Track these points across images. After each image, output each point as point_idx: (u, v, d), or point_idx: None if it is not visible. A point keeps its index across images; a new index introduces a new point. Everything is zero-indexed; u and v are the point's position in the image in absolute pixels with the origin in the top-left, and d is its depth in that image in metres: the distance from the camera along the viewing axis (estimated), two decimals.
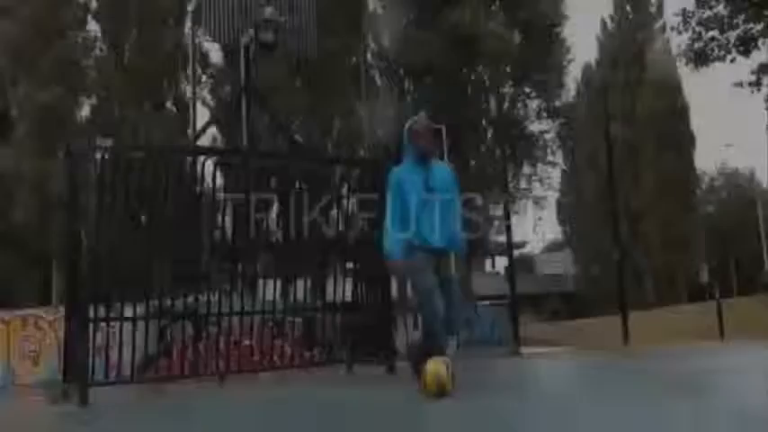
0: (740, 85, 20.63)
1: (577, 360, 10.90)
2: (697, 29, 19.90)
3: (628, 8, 46.45)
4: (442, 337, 4.84)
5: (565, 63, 28.45)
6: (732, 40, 19.64)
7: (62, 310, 7.78)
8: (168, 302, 7.28)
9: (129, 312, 6.97)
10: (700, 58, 20.11)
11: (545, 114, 28.42)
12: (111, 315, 6.85)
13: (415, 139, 4.97)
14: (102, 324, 6.66)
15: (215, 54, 27.60)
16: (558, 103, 28.54)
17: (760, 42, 19.96)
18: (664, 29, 44.30)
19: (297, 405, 5.18)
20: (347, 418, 4.20)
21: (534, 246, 62.05)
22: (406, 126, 5.05)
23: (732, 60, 19.71)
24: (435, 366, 4.40)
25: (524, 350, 14.28)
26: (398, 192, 4.93)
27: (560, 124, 29.17)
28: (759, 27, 19.68)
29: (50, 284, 23.99)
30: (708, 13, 19.75)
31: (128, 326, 6.88)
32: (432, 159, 5.03)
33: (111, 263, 6.78)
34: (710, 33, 19.85)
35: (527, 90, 28.34)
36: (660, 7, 45.92)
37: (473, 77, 27.42)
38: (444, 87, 26.11)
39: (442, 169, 5.09)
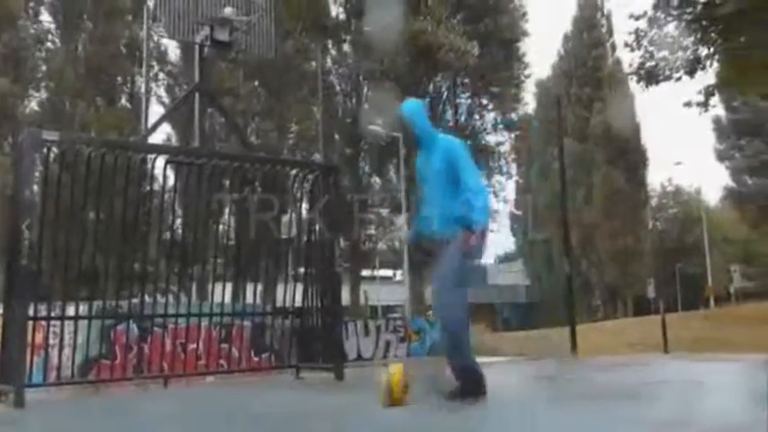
0: (689, 105, 21.16)
1: (526, 369, 11.00)
2: (649, 48, 20.39)
3: (583, 27, 47.46)
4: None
5: (523, 77, 28.91)
6: (680, 61, 20.16)
7: (0, 307, 7.51)
8: (113, 303, 7.12)
9: (71, 311, 6.79)
10: (650, 76, 20.59)
11: (501, 126, 28.83)
12: (53, 314, 6.65)
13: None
14: (43, 323, 6.47)
15: (173, 52, 27.25)
16: (514, 116, 28.97)
17: (708, 64, 20.53)
18: (614, 48, 45.41)
19: (238, 409, 5.10)
20: (287, 425, 4.14)
21: (488, 256, 62.73)
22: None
23: (678, 79, 20.24)
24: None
25: (476, 359, 14.34)
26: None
27: (515, 137, 29.63)
28: (706, 51, 20.26)
29: None
30: (659, 32, 20.24)
31: (69, 325, 6.70)
32: (423, 142, 4.59)
33: (55, 260, 6.59)
34: (662, 53, 20.36)
35: (484, 102, 28.69)
36: (610, 27, 47.12)
37: (431, 87, 27.63)
38: (403, 95, 26.23)
39: (438, 150, 4.51)
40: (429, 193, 4.52)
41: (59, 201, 6.45)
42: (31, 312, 5.92)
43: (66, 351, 6.70)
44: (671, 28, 20.22)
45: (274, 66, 23.02)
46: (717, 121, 42.80)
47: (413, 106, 4.84)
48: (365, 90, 27.70)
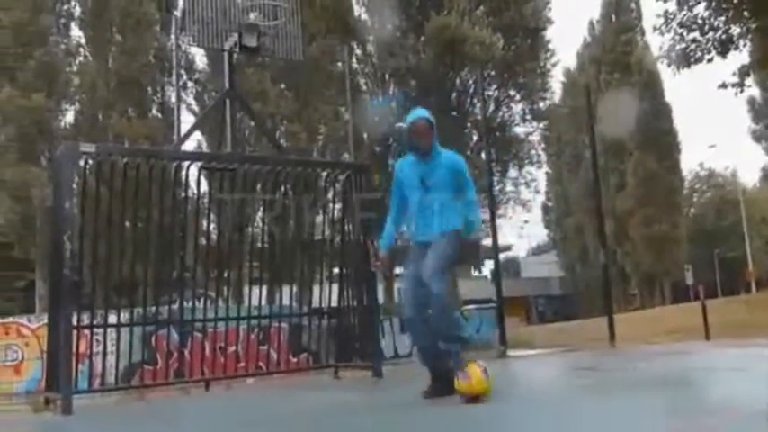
0: (724, 86, 20.73)
1: (564, 360, 10.94)
2: (679, 30, 20.04)
3: (612, 12, 46.86)
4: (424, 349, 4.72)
5: (549, 66, 28.64)
6: (712, 42, 19.79)
7: (45, 317, 7.69)
8: (153, 309, 7.25)
9: (113, 319, 6.94)
10: (682, 59, 20.25)
11: (529, 117, 28.60)
12: (96, 322, 6.81)
13: (413, 136, 4.86)
14: (86, 331, 6.62)
15: (200, 60, 27.55)
16: (542, 106, 28.72)
17: (741, 44, 20.13)
18: (643, 32, 44.77)
19: (281, 410, 5.16)
20: (331, 423, 4.19)
21: (520, 249, 62.33)
22: (406, 123, 4.94)
23: (710, 60, 19.86)
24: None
25: (511, 352, 14.31)
26: (399, 187, 4.97)
27: (544, 127, 29.38)
28: (738, 29, 19.86)
29: (33, 292, 23.76)
30: (689, 14, 19.89)
31: (111, 333, 6.85)
32: (432, 154, 4.82)
33: (95, 269, 6.73)
34: (692, 35, 19.99)
35: (511, 93, 28.49)
36: (639, 11, 46.46)
37: (458, 81, 27.52)
38: (429, 91, 26.18)
39: (445, 163, 4.85)
40: (428, 200, 4.79)
41: (98, 211, 6.58)
42: (74, 321, 6.06)
43: (110, 358, 6.86)
44: (701, 8, 19.85)
45: (301, 68, 23.15)
46: (751, 101, 42.05)
47: (430, 116, 4.98)
48: (391, 88, 27.69)
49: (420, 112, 5.00)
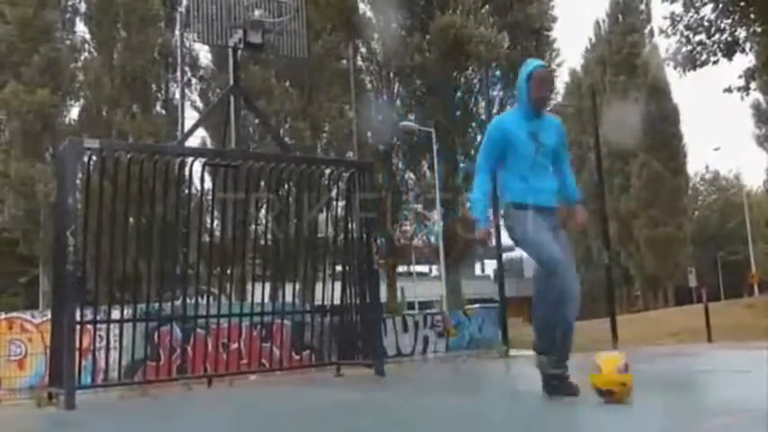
0: (729, 90, 20.69)
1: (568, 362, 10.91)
2: (685, 33, 20.00)
3: (618, 12, 46.70)
4: (558, 339, 4.24)
5: (554, 66, 28.58)
6: (718, 44, 19.75)
7: (49, 313, 7.70)
8: (156, 305, 7.25)
9: (116, 315, 6.94)
10: (688, 62, 20.21)
11: None
12: (99, 318, 6.82)
13: (536, 85, 4.38)
14: (89, 327, 6.62)
15: (204, 57, 27.55)
16: None
17: (747, 46, 20.08)
18: (652, 33, 44.62)
19: (283, 408, 5.16)
20: (334, 421, 4.18)
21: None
22: (526, 70, 4.45)
23: (716, 63, 19.82)
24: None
25: (514, 352, 14.29)
26: (499, 146, 4.36)
27: None
28: (744, 32, 19.81)
29: (37, 287, 23.81)
30: (695, 16, 19.85)
31: (115, 329, 6.85)
32: (543, 111, 4.49)
33: (98, 265, 6.74)
34: (698, 37, 19.95)
35: (516, 93, 28.46)
36: (649, 13, 46.29)
37: (463, 80, 27.49)
38: (434, 90, 26.15)
39: (553, 123, 4.53)
40: (538, 164, 4.36)
41: (102, 207, 6.58)
42: (77, 317, 6.06)
43: (113, 353, 6.87)
44: (707, 10, 19.81)
45: (305, 66, 23.16)
46: (756, 105, 41.98)
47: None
48: (396, 87, 27.67)
49: (539, 61, 4.62)
